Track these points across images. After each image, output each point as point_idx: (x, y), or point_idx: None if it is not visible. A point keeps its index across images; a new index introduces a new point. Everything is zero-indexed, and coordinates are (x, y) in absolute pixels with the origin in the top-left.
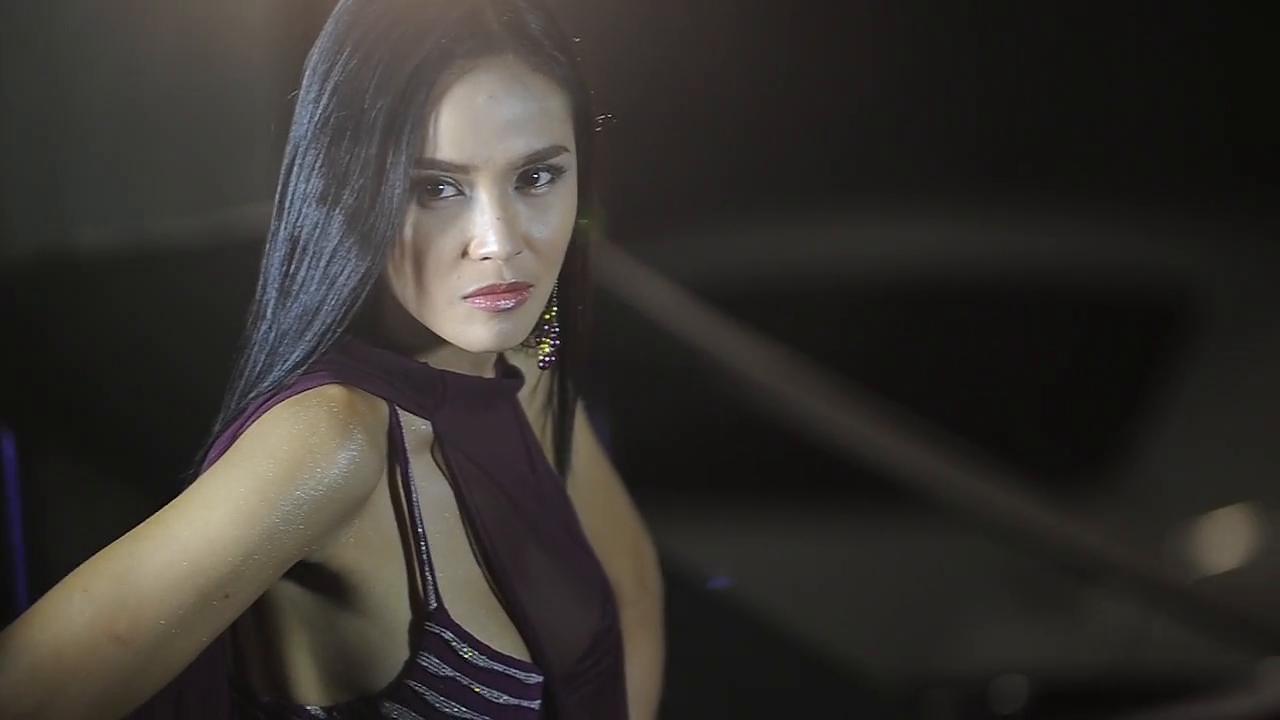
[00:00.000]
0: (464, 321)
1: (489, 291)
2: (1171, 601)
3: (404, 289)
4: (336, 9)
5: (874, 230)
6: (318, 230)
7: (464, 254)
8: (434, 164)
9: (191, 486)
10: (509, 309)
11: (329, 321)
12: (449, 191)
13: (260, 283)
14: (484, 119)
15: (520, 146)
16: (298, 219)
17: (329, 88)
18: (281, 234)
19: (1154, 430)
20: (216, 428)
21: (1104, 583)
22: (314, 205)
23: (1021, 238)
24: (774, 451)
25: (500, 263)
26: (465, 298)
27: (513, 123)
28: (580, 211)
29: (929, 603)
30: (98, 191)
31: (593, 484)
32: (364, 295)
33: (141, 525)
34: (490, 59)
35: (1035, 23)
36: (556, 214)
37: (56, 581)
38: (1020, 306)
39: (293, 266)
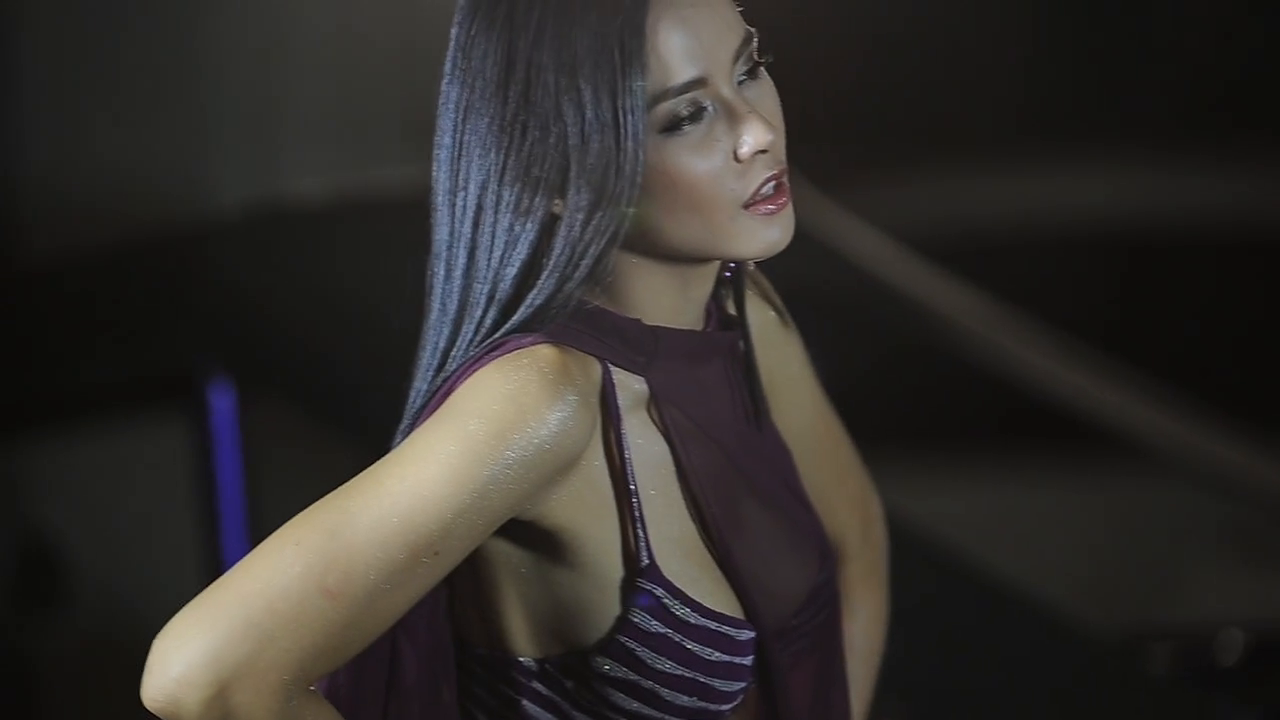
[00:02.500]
0: (748, 232)
1: (765, 185)
2: None
3: (672, 227)
4: None
5: (1088, 180)
6: (545, 209)
7: (730, 162)
8: (675, 91)
9: (404, 443)
10: (783, 205)
11: (573, 286)
12: (694, 112)
13: (449, 272)
14: (699, 27)
15: (732, 40)
16: (514, 205)
17: (516, 74)
18: (491, 220)
19: None
20: (421, 385)
21: None
22: (536, 187)
23: (1236, 185)
24: (990, 402)
25: (766, 154)
26: (746, 207)
27: (719, 21)
28: None
29: (1147, 555)
30: (312, 143)
31: (817, 434)
32: (614, 254)
33: (353, 480)
34: None
35: None
36: (772, 99)
37: (272, 531)
38: (1239, 255)
39: (516, 250)
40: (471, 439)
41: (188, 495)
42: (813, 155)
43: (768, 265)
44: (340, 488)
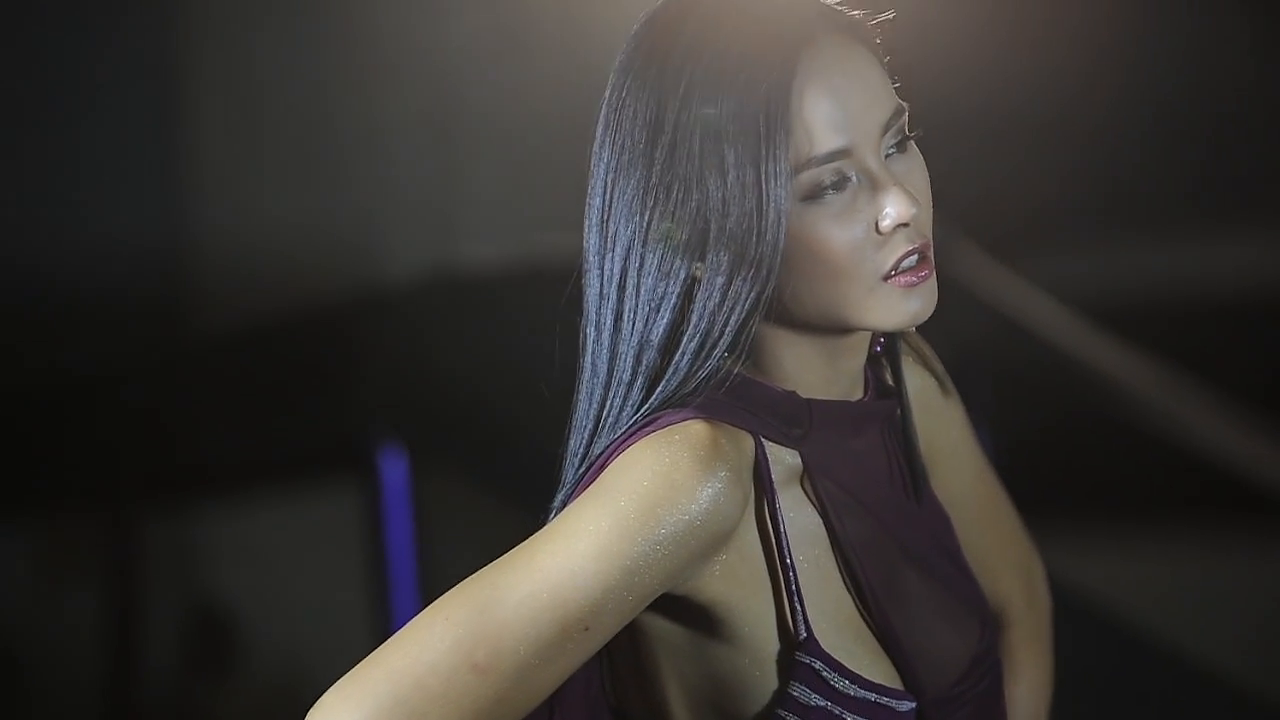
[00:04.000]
0: (887, 303)
1: (906, 258)
2: None
3: (811, 296)
4: (625, 61)
5: (1263, 248)
6: (687, 272)
7: (872, 233)
8: (819, 160)
9: (557, 518)
10: (925, 277)
11: (718, 354)
12: (837, 181)
13: (599, 334)
14: (847, 97)
15: (880, 113)
16: (658, 267)
17: (663, 137)
18: (635, 283)
19: None
20: (575, 454)
21: None
22: (680, 250)
23: None
24: (1159, 468)
25: (907, 228)
26: (885, 279)
27: (868, 92)
28: None
29: None
30: (485, 208)
31: (979, 499)
32: (756, 322)
33: (506, 556)
34: (822, 44)
35: None
36: (920, 173)
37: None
38: None
39: (660, 313)
40: (623, 516)
41: (360, 561)
42: (990, 225)
43: (940, 332)
44: (492, 563)
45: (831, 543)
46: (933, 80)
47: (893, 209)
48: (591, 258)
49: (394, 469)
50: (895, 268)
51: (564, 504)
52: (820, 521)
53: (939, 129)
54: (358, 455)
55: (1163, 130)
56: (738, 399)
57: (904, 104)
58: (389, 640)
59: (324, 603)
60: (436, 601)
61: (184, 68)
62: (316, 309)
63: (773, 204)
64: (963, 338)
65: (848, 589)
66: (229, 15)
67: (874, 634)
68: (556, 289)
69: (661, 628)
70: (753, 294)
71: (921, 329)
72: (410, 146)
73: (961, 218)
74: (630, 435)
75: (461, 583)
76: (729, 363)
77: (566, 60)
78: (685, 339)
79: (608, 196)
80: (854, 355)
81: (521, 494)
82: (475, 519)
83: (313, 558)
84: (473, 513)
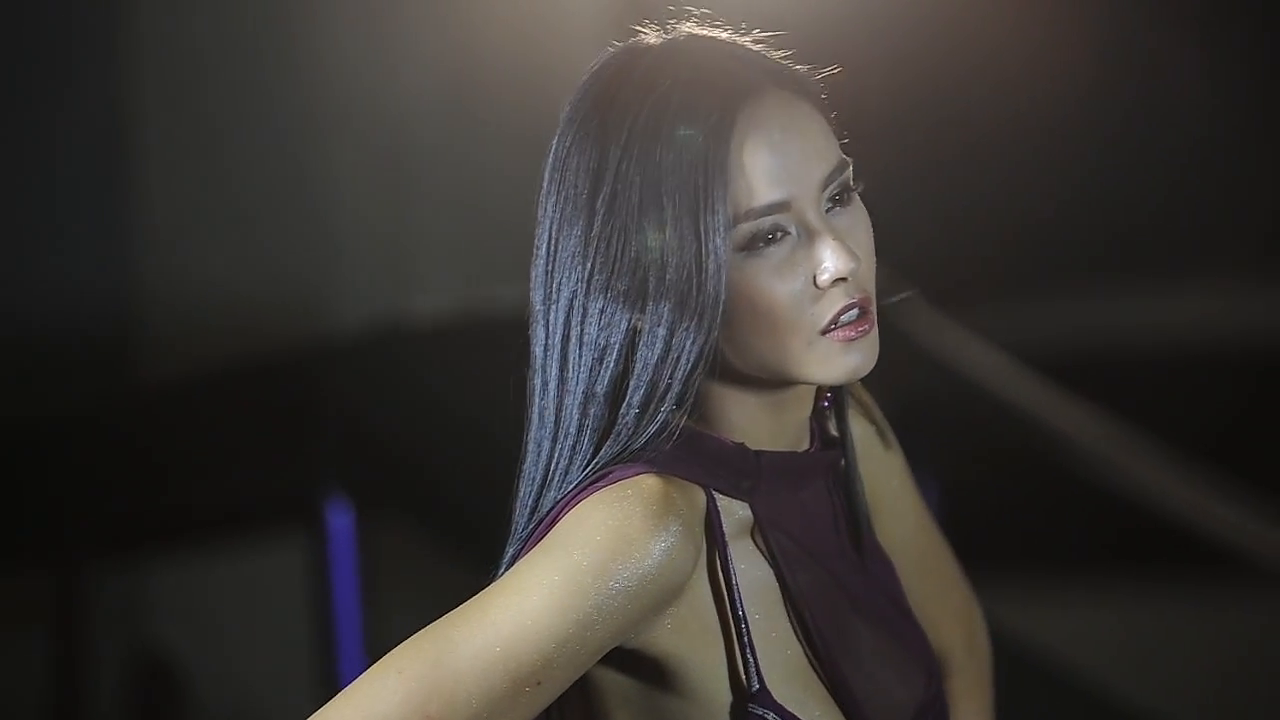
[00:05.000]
0: (826, 357)
1: (844, 313)
2: None
3: (751, 348)
4: (571, 112)
5: (1211, 299)
6: (628, 323)
7: (810, 287)
8: (758, 212)
9: (510, 572)
10: (865, 331)
11: (667, 407)
12: (775, 235)
13: (544, 384)
14: (787, 151)
15: (821, 167)
16: (599, 317)
17: (604, 188)
18: (579, 333)
19: None
20: (525, 507)
21: None
22: (620, 300)
23: None
24: (1104, 520)
25: (846, 282)
26: (823, 333)
27: (809, 146)
28: None
29: (1266, 680)
30: (436, 260)
31: (919, 548)
32: (701, 375)
33: (458, 609)
34: (764, 98)
35: None
36: (863, 227)
37: (389, 650)
38: None
39: (604, 364)
40: (576, 570)
41: (306, 614)
42: (935, 276)
43: (885, 383)
44: (444, 616)
45: (782, 594)
46: (879, 133)
47: (830, 263)
48: (537, 308)
49: (341, 521)
50: (834, 322)
51: (515, 557)
52: (771, 573)
53: (884, 180)
54: (305, 507)
55: (1107, 182)
56: (688, 452)
57: (847, 158)
58: (341, 693)
59: (270, 655)
60: (389, 654)
61: (134, 115)
62: (265, 359)
63: (712, 255)
64: (907, 388)
65: (798, 639)
66: (180, 62)
67: (824, 684)
68: (507, 341)
69: (613, 680)
70: (695, 346)
71: (864, 379)
72: (362, 197)
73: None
74: (582, 490)
75: (414, 636)
76: (677, 416)
77: (518, 112)
78: (630, 391)
79: (552, 247)
80: (799, 407)
81: (469, 547)
82: (422, 572)
83: (259, 610)
84: (420, 566)
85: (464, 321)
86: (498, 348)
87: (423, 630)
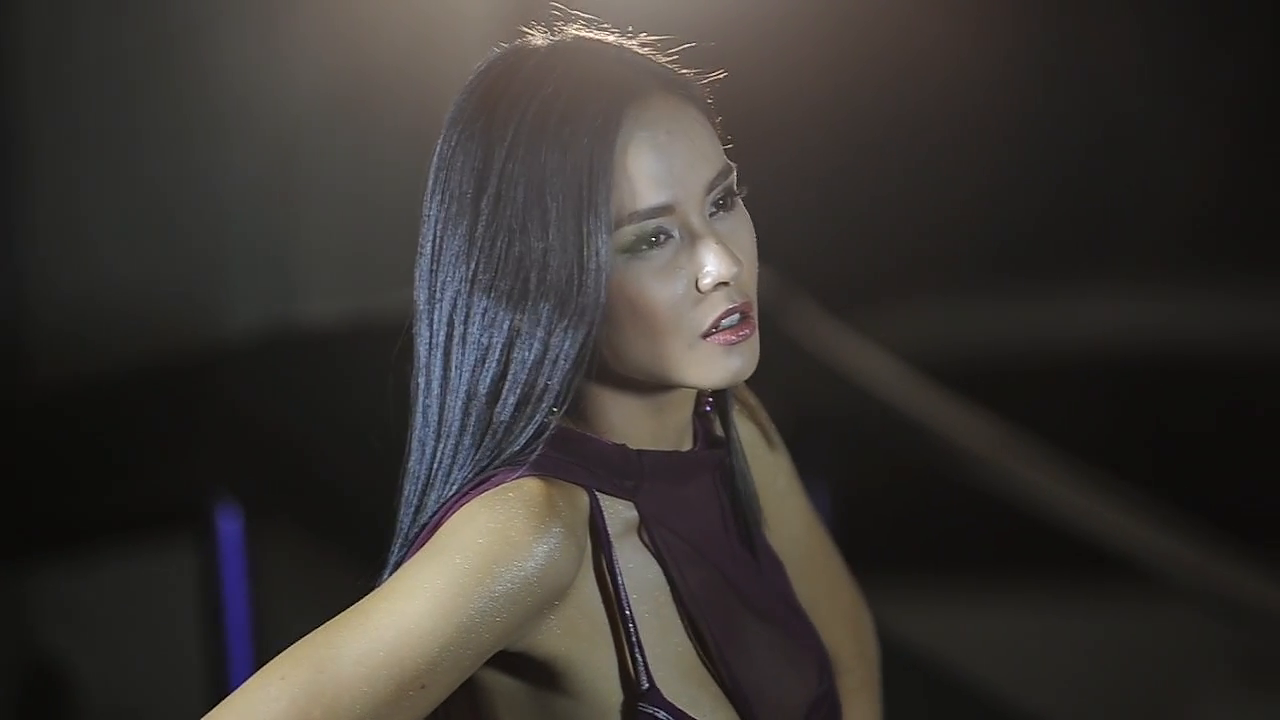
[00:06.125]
0: (706, 361)
1: (726, 317)
2: None
3: (631, 351)
4: (456, 112)
5: (1097, 304)
6: (510, 323)
7: (691, 290)
8: (641, 214)
9: (393, 577)
10: (746, 335)
11: (544, 408)
12: (658, 237)
13: (428, 383)
14: (672, 154)
15: (706, 171)
16: (482, 316)
17: (489, 188)
18: (461, 333)
19: None
20: (409, 507)
21: None
22: (503, 300)
23: (1247, 311)
24: (993, 525)
25: (728, 287)
26: (704, 336)
27: (694, 150)
28: None
29: (1154, 679)
30: (324, 267)
31: (807, 548)
32: (578, 376)
33: (342, 615)
34: (649, 100)
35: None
36: (746, 232)
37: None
38: (1244, 380)
39: (486, 364)
40: (459, 573)
41: (195, 619)
42: (823, 278)
43: (777, 389)
44: (328, 622)
45: (671, 592)
46: (766, 138)
47: (713, 267)
48: (421, 308)
49: (230, 527)
50: (715, 326)
51: (400, 561)
52: (659, 571)
53: (772, 185)
54: (194, 513)
55: (996, 186)
56: (569, 454)
57: (731, 163)
58: (225, 701)
59: (159, 661)
60: (273, 661)
61: (21, 121)
62: (153, 366)
63: (594, 257)
64: (800, 394)
65: (689, 637)
66: (67, 71)
67: (715, 681)
68: (394, 347)
69: (501, 683)
70: (573, 347)
71: (757, 384)
72: (251, 200)
73: (798, 275)
74: (464, 494)
75: (297, 643)
76: (556, 417)
77: (408, 114)
78: (506, 391)
79: (436, 247)
80: (679, 409)
81: (359, 551)
82: (313, 577)
83: (148, 615)
84: (310, 570)
85: (354, 326)
86: (387, 352)
87: (307, 636)
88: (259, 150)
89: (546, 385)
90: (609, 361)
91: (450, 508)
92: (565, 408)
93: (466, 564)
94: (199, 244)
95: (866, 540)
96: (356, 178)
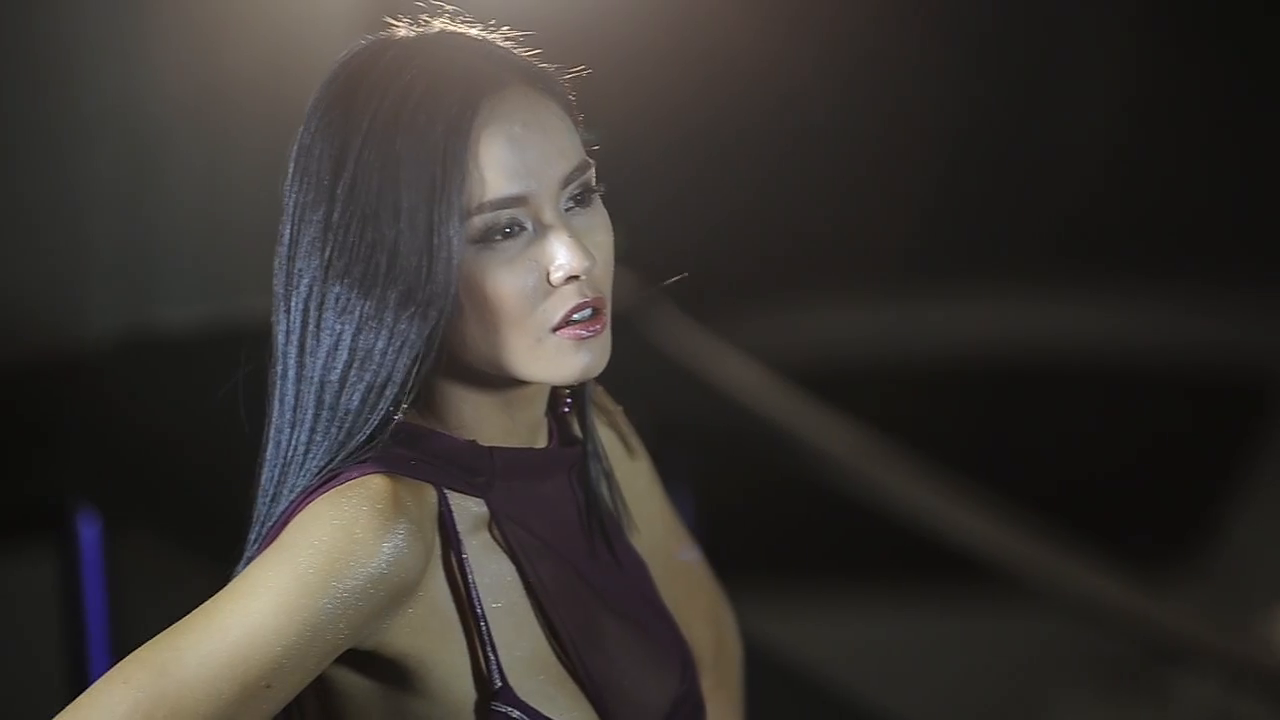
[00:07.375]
0: (555, 356)
1: (577, 311)
2: (1257, 683)
3: (480, 342)
4: (316, 101)
5: (957, 309)
6: (361, 311)
7: (543, 283)
8: (493, 205)
9: (238, 576)
10: (598, 331)
11: (389, 397)
12: (510, 229)
13: (284, 371)
14: (527, 146)
15: (563, 165)
16: (335, 304)
17: (345, 175)
18: (316, 320)
19: (1240, 511)
20: (265, 500)
21: (1189, 664)
22: (355, 287)
23: (1107, 318)
24: (855, 530)
25: (580, 281)
26: (554, 330)
27: (550, 144)
28: None
29: (1012, 684)
30: (181, 271)
31: (667, 549)
32: (426, 367)
33: (187, 616)
34: (507, 92)
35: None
36: (603, 229)
37: None
38: (1105, 387)
39: (338, 351)
40: (303, 572)
41: (54, 624)
42: (689, 284)
43: (640, 395)
44: (173, 625)
45: (525, 589)
46: (632, 136)
47: (564, 260)
48: (279, 295)
49: (89, 531)
50: (566, 320)
51: (255, 553)
52: (512, 568)
53: (637, 184)
54: (52, 519)
55: (868, 188)
56: (418, 450)
57: (590, 159)
58: (70, 705)
59: (17, 667)
60: (118, 664)
61: None
62: (10, 367)
63: (444, 245)
64: (662, 400)
65: (544, 634)
66: None
67: (573, 678)
68: (255, 350)
69: (351, 682)
70: (419, 336)
71: (619, 390)
72: (107, 203)
73: (659, 275)
74: (311, 492)
75: (143, 645)
76: (404, 411)
77: (266, 121)
78: (352, 380)
79: (294, 233)
80: (531, 406)
81: (218, 555)
82: (172, 581)
83: (5, 622)
84: (169, 575)
85: (212, 330)
86: (247, 356)
87: (151, 640)
88: (115, 153)
89: (390, 375)
90: (458, 354)
91: (297, 506)
92: (412, 399)
93: (311, 562)
94: (56, 249)
95: (729, 545)
96: (215, 182)
